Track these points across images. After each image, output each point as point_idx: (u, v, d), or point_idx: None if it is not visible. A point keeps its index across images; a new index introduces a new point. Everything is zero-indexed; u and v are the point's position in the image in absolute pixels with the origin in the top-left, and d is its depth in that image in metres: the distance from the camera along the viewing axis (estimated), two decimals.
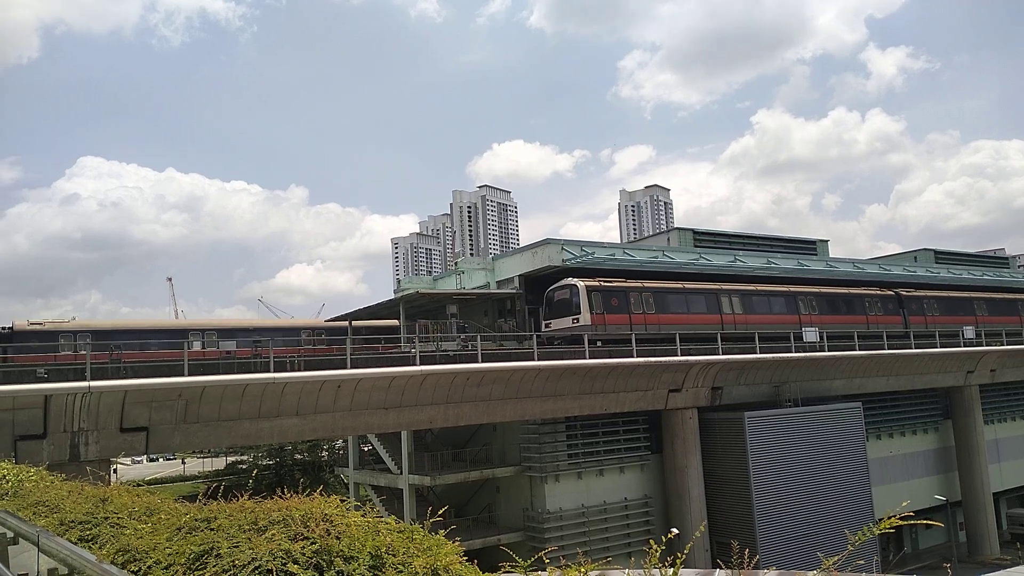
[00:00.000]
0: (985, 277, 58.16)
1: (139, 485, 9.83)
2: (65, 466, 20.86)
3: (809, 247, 52.57)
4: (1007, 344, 49.99)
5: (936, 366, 47.62)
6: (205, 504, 6.52)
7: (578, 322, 34.34)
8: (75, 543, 6.13)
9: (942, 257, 62.10)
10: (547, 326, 35.91)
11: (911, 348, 44.65)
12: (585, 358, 33.11)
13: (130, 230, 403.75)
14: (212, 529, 5.48)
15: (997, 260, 72.87)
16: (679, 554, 5.38)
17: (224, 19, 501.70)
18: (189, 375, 25.39)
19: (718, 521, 37.28)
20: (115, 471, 46.47)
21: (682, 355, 35.41)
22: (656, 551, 5.30)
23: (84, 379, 23.79)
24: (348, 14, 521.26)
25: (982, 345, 48.76)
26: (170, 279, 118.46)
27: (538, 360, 32.14)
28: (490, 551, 33.32)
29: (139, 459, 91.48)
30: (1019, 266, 79.00)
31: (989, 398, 53.24)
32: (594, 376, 34.18)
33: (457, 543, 5.44)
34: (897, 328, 46.05)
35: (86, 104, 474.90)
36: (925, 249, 62.83)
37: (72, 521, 7.13)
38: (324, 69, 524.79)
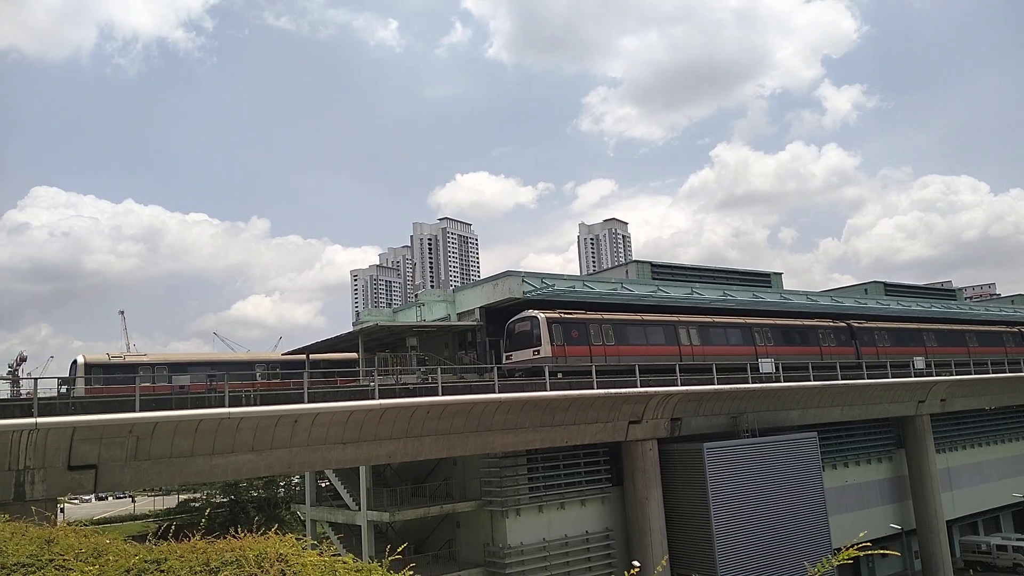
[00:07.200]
0: (933, 309, 59.73)
1: (87, 525, 9.56)
2: (9, 506, 20.15)
3: (764, 280, 53.53)
4: (956, 374, 51.27)
5: (888, 396, 48.60)
6: (155, 544, 6.38)
7: (539, 354, 34.38)
8: None
9: (891, 289, 63.79)
10: (508, 358, 35.89)
11: (864, 378, 45.50)
12: (546, 390, 33.07)
13: (82, 261, 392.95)
14: (162, 571, 5.37)
15: (945, 292, 75.01)
16: None
17: (184, 50, 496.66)
18: (141, 411, 24.79)
19: (679, 553, 37.29)
20: (62, 511, 44.96)
21: (641, 387, 35.60)
22: None
23: (31, 415, 23.08)
24: (309, 45, 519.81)
25: (932, 375, 49.91)
26: (122, 312, 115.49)
27: (499, 393, 32.02)
28: None
29: (87, 498, 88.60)
30: (966, 298, 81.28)
31: (940, 427, 54.46)
32: (555, 408, 34.18)
33: None
34: (850, 359, 46.97)
35: (42, 133, 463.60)
36: (875, 282, 64.46)
37: (15, 564, 6.91)
38: (286, 101, 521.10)
